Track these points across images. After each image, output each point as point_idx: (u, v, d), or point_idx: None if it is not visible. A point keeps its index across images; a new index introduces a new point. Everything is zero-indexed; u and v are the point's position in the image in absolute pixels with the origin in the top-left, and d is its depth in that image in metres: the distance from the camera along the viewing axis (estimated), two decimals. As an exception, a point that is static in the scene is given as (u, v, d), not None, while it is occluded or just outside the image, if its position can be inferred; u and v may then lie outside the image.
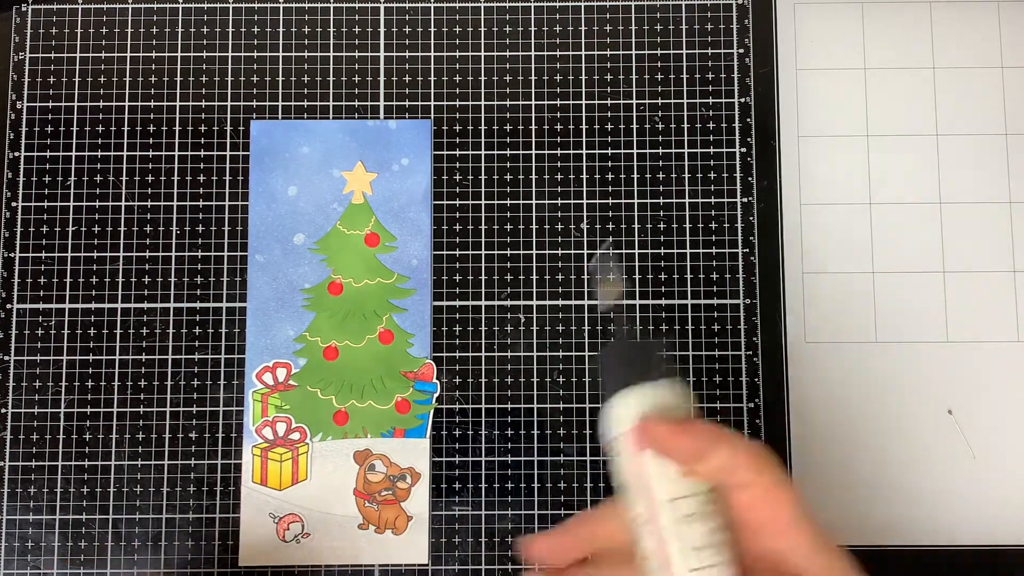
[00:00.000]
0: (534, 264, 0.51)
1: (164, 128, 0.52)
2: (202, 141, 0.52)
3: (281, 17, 0.53)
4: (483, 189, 0.51)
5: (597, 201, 0.51)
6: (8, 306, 0.50)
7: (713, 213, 0.51)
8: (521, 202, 0.51)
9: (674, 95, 0.52)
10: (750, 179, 0.51)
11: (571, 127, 0.52)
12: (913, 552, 0.49)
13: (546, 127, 0.52)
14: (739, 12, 0.52)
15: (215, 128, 0.52)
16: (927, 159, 0.52)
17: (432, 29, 0.52)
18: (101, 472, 0.49)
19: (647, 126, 0.52)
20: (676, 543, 0.34)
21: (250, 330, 0.50)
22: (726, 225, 0.51)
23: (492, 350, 0.50)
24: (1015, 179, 0.52)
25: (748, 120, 0.52)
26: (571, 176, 0.51)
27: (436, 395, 0.50)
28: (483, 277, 0.51)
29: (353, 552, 0.49)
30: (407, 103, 0.52)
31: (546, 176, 0.51)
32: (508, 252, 0.51)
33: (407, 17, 0.53)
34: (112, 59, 0.52)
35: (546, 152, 0.52)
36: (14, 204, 0.51)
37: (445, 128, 0.52)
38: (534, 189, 0.51)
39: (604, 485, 0.49)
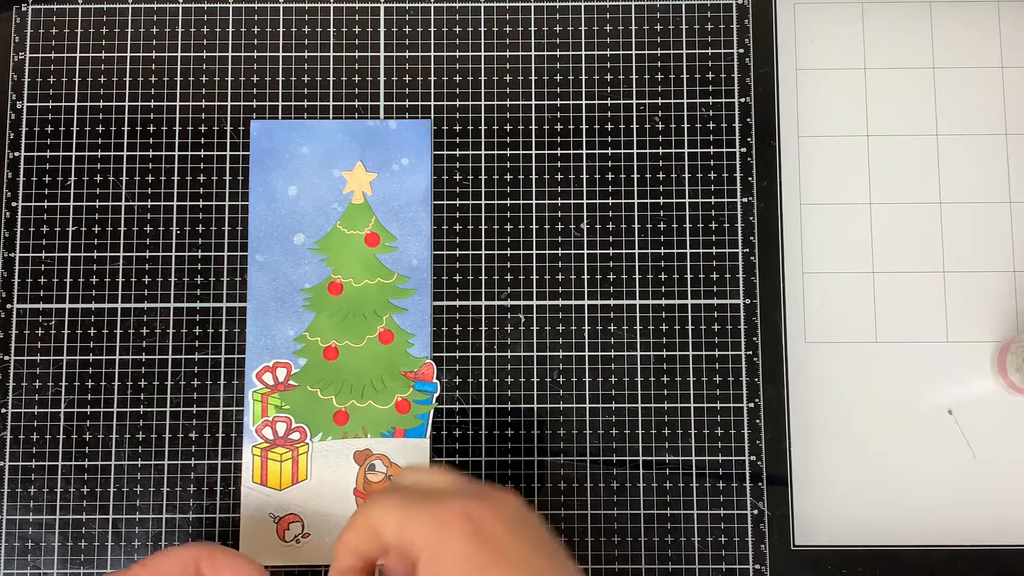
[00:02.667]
0: (534, 264, 0.51)
1: (164, 128, 0.52)
2: (202, 141, 0.52)
3: (281, 17, 0.53)
4: (483, 189, 0.51)
5: (597, 201, 0.51)
6: (8, 306, 0.50)
7: (713, 213, 0.51)
8: (521, 202, 0.51)
9: (674, 95, 0.52)
10: (750, 179, 0.51)
11: (571, 127, 0.52)
12: (913, 552, 0.49)
13: (546, 127, 0.52)
14: (739, 12, 0.52)
15: (215, 128, 0.52)
16: (927, 159, 0.52)
17: (432, 29, 0.52)
18: (101, 472, 0.49)
19: (647, 126, 0.52)
20: None
21: (250, 330, 0.50)
22: (726, 225, 0.51)
23: (492, 350, 0.50)
24: (1015, 179, 0.52)
25: (748, 120, 0.52)
26: (571, 176, 0.51)
27: (436, 395, 0.50)
28: (483, 277, 0.51)
29: (353, 552, 0.49)
30: (407, 103, 0.52)
31: (546, 176, 0.51)
32: (508, 252, 0.51)
33: (407, 17, 0.53)
34: (112, 59, 0.52)
35: (546, 152, 0.52)
36: (14, 204, 0.51)
37: (445, 128, 0.52)
38: (534, 189, 0.51)
39: (604, 486, 0.49)
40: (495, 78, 0.52)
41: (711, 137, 0.52)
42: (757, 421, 0.50)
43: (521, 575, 0.36)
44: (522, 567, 0.36)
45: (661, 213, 0.51)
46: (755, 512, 0.49)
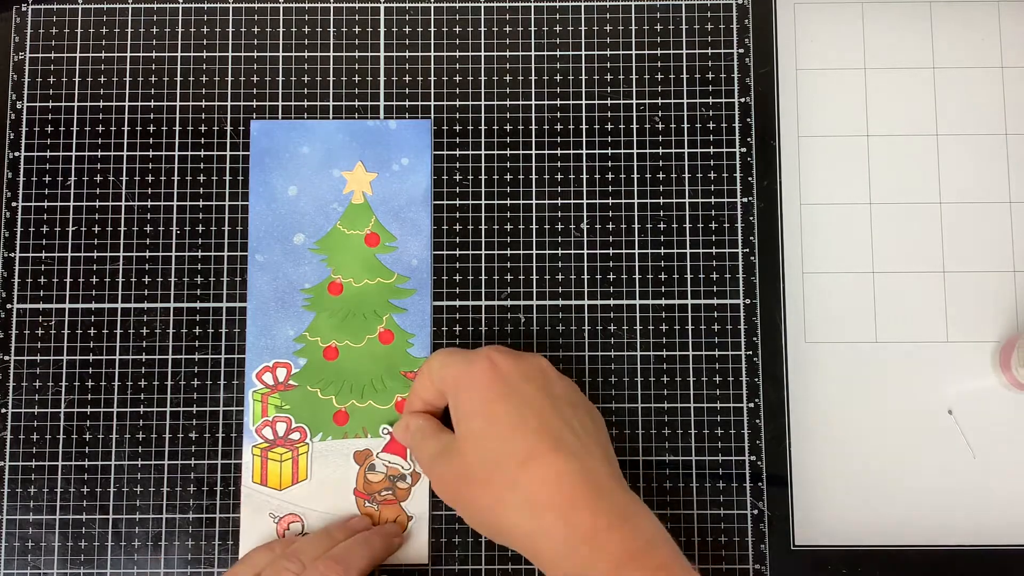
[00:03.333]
0: (534, 264, 0.51)
1: (164, 128, 0.52)
2: (202, 141, 0.52)
3: (281, 17, 0.53)
4: (483, 189, 0.51)
5: (597, 201, 0.51)
6: (8, 306, 0.50)
7: (713, 213, 0.51)
8: (521, 202, 0.51)
9: (674, 95, 0.52)
10: (750, 179, 0.51)
11: (571, 127, 0.52)
12: (913, 552, 0.49)
13: (546, 127, 0.52)
14: (739, 12, 0.52)
15: (215, 128, 0.52)
16: (927, 159, 0.52)
17: (432, 29, 0.52)
18: (101, 472, 0.49)
19: (647, 126, 0.52)
20: None
21: (250, 330, 0.50)
22: (726, 225, 0.51)
23: (492, 350, 0.50)
24: (1015, 179, 0.52)
25: (748, 120, 0.52)
26: (571, 176, 0.51)
27: (436, 395, 0.50)
28: (483, 277, 0.51)
29: (353, 552, 0.49)
30: (407, 103, 0.52)
31: (546, 176, 0.51)
32: (508, 252, 0.51)
33: (407, 17, 0.53)
34: (112, 59, 0.52)
35: (546, 152, 0.52)
36: (14, 204, 0.51)
37: (445, 128, 0.52)
38: (534, 189, 0.51)
39: (604, 485, 0.49)
40: (495, 78, 0.52)
41: (711, 137, 0.52)
42: (757, 421, 0.50)
43: (525, 409, 0.42)
44: (527, 404, 0.42)
45: (661, 213, 0.51)
46: (755, 512, 0.49)
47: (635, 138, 0.52)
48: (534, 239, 0.51)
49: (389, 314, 0.50)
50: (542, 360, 0.45)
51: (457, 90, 0.52)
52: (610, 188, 0.51)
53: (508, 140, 0.52)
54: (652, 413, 0.50)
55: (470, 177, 0.51)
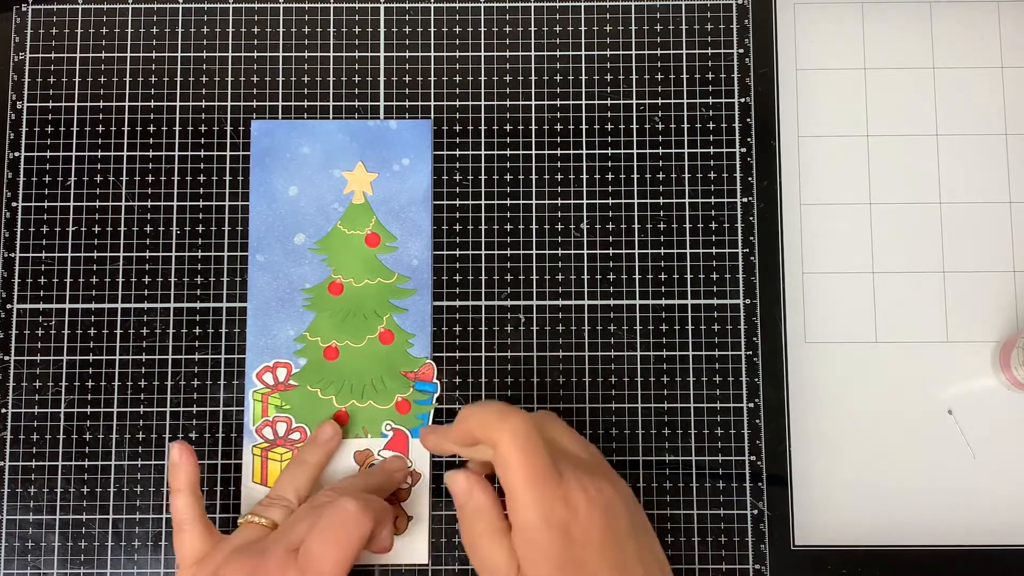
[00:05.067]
0: (534, 264, 0.51)
1: (164, 128, 0.52)
2: (202, 141, 0.52)
3: (281, 17, 0.53)
4: (483, 189, 0.51)
5: (597, 201, 0.51)
6: (8, 306, 0.50)
7: (713, 213, 0.51)
8: (521, 202, 0.51)
9: (674, 95, 0.52)
10: (750, 179, 0.51)
11: (571, 127, 0.52)
12: (913, 552, 0.49)
13: (546, 127, 0.52)
14: (739, 12, 0.52)
15: (215, 128, 0.52)
16: (927, 159, 0.52)
17: (432, 29, 0.52)
18: (101, 472, 0.49)
19: (647, 126, 0.52)
20: None
21: (250, 330, 0.50)
22: (726, 225, 0.51)
23: (492, 350, 0.50)
24: (1015, 179, 0.52)
25: (748, 120, 0.52)
26: (571, 176, 0.51)
27: (436, 395, 0.50)
28: (483, 277, 0.51)
29: (353, 552, 0.49)
30: (407, 103, 0.52)
31: (546, 176, 0.51)
32: (508, 252, 0.51)
33: (407, 17, 0.53)
34: (112, 59, 0.52)
35: (546, 152, 0.52)
36: (14, 204, 0.51)
37: (445, 128, 0.52)
38: (534, 189, 0.51)
39: (604, 485, 0.49)
40: (495, 78, 0.52)
41: (711, 137, 0.52)
42: (757, 421, 0.50)
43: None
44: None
45: (661, 213, 0.51)
46: (755, 512, 0.49)
47: (635, 138, 0.52)
48: (534, 239, 0.51)
49: (389, 314, 0.50)
50: (621, 493, 0.41)
51: (457, 90, 0.52)
52: (610, 188, 0.51)
53: (508, 140, 0.52)
54: (652, 413, 0.50)
55: (470, 177, 0.51)
